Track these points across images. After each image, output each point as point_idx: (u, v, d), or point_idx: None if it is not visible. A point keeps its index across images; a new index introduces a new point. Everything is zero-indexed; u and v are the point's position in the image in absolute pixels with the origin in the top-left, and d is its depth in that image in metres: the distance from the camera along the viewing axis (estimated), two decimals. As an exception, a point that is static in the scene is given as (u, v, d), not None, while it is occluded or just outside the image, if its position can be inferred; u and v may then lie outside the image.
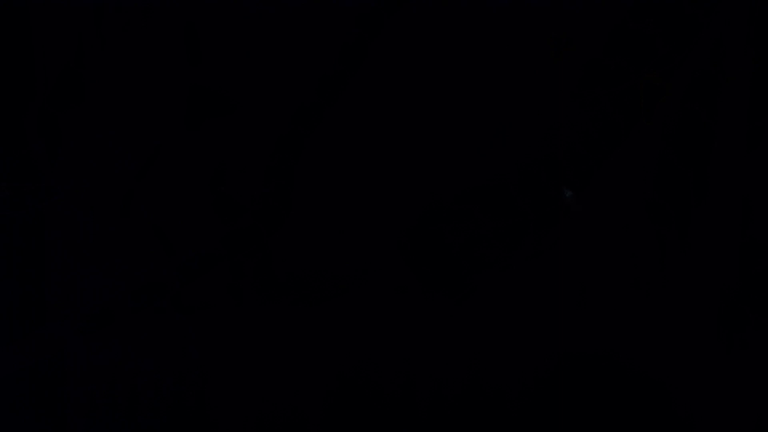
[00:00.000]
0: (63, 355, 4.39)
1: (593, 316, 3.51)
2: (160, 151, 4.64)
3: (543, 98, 4.54)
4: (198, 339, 4.46)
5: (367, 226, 5.58)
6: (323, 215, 5.12)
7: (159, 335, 4.48)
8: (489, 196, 4.71)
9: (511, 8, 4.51)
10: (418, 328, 5.32)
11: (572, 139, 4.24)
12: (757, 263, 3.45)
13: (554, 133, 4.38)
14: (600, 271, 3.58)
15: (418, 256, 5.23)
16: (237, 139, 4.97)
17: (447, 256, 5.01)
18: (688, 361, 3.37)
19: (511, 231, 4.36)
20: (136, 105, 4.63)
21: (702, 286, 3.45)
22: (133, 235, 4.45)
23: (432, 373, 4.63)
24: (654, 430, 3.35)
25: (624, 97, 4.30)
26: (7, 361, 4.27)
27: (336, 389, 4.83)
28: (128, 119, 4.57)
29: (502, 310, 4.02)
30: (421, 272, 4.97)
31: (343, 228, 5.24)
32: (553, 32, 4.68)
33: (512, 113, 4.89)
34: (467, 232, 4.84)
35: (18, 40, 4.30)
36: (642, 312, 3.45)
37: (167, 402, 4.34)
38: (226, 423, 4.35)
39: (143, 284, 4.68)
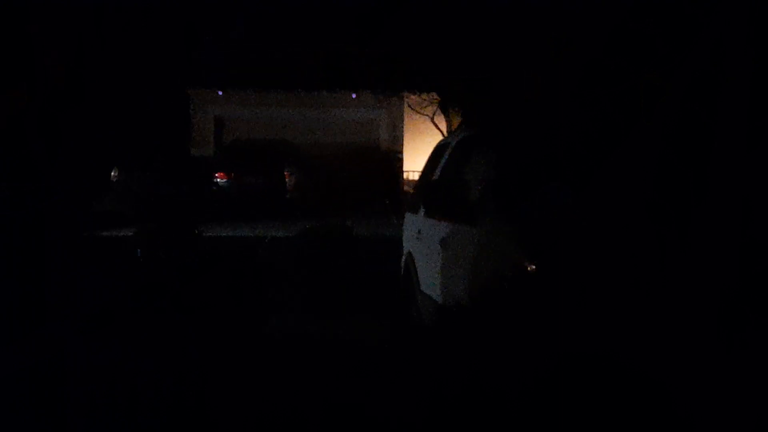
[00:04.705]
0: (63, 355, 4.40)
1: (593, 316, 3.49)
2: (160, 150, 4.63)
3: (543, 98, 4.54)
4: (198, 339, 4.46)
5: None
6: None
7: (159, 335, 4.48)
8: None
9: (511, 8, 4.51)
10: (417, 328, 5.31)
11: (572, 139, 4.24)
12: (757, 263, 3.44)
13: (554, 133, 4.38)
14: (600, 271, 3.57)
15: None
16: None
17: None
18: (688, 361, 3.36)
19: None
20: (135, 105, 4.61)
21: (702, 286, 3.45)
22: (132, 236, 4.44)
23: (432, 372, 4.64)
24: (654, 430, 3.34)
25: (624, 97, 4.29)
26: (7, 361, 4.28)
27: (336, 389, 4.83)
28: (128, 119, 4.56)
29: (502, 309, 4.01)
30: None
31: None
32: (553, 32, 4.67)
33: (512, 112, 4.85)
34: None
35: (18, 40, 4.30)
36: (642, 312, 3.44)
37: (167, 402, 4.33)
38: (226, 423, 4.35)
39: (143, 284, 4.68)
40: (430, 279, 5.73)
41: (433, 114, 25.66)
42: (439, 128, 24.69)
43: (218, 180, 23.07)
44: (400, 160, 27.33)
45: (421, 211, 6.55)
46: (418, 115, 26.93)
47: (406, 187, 25.25)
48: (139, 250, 8.33)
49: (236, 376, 4.91)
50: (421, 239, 6.42)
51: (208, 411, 4.44)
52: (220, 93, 27.85)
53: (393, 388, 4.74)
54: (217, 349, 4.87)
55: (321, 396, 4.70)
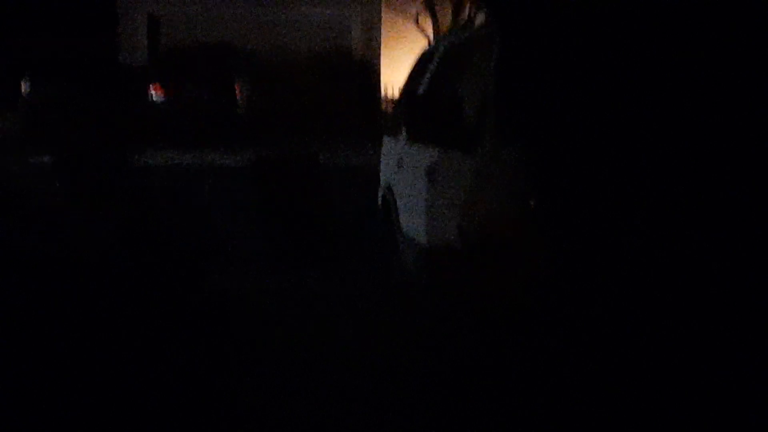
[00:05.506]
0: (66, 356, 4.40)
1: (593, 315, 3.51)
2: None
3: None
4: (198, 339, 4.47)
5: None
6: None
7: (159, 334, 4.48)
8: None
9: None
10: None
11: (572, 138, 4.22)
12: (754, 262, 3.46)
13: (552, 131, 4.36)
14: (599, 270, 3.58)
15: None
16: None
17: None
18: (686, 360, 3.38)
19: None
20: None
21: (701, 285, 3.46)
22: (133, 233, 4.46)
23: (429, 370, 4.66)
24: (654, 429, 3.36)
25: (622, 93, 4.28)
26: None
27: (336, 389, 4.85)
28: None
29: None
30: None
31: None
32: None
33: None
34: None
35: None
36: (642, 312, 3.45)
37: (167, 402, 4.33)
38: (227, 423, 4.35)
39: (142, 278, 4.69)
40: (413, 218, 4.91)
41: (417, 15, 22.26)
42: (425, 32, 21.66)
43: (153, 94, 18.53)
44: (377, 72, 23.17)
45: (403, 135, 5.43)
46: (398, 17, 22.77)
47: (384, 105, 21.54)
48: (57, 182, 7.21)
49: (236, 376, 4.77)
50: (402, 169, 5.44)
51: (209, 411, 4.37)
52: None
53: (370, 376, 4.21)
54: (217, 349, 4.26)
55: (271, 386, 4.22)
